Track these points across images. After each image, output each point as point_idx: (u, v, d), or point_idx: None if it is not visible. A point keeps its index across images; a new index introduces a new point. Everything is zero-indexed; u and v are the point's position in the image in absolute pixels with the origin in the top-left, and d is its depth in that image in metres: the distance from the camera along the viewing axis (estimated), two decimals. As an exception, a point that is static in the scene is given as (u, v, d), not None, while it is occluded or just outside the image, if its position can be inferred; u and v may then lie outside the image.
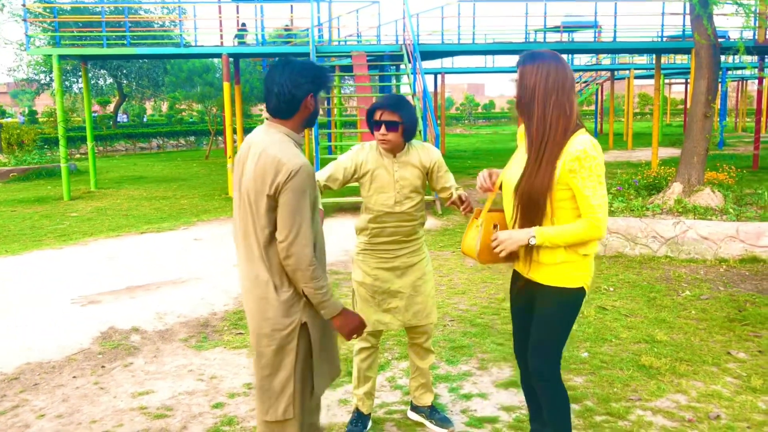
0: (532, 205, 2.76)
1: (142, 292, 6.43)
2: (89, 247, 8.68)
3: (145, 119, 40.53)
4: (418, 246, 3.67)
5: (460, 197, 3.48)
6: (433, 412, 3.85)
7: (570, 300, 2.86)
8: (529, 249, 2.82)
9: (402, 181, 3.51)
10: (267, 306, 2.68)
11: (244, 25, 19.25)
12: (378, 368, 3.98)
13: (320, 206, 3.01)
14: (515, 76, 2.84)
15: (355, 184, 3.62)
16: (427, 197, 11.35)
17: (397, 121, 3.42)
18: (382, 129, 3.43)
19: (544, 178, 2.71)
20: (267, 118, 2.78)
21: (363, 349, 3.75)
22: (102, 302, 6.09)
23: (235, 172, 2.78)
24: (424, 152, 3.60)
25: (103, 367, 4.78)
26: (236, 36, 18.36)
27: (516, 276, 3.05)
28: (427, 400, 3.88)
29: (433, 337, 5.17)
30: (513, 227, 2.86)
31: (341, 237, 9.19)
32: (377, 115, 3.45)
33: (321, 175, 3.52)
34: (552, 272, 2.83)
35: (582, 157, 2.65)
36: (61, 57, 14.25)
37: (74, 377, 4.61)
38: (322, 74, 2.73)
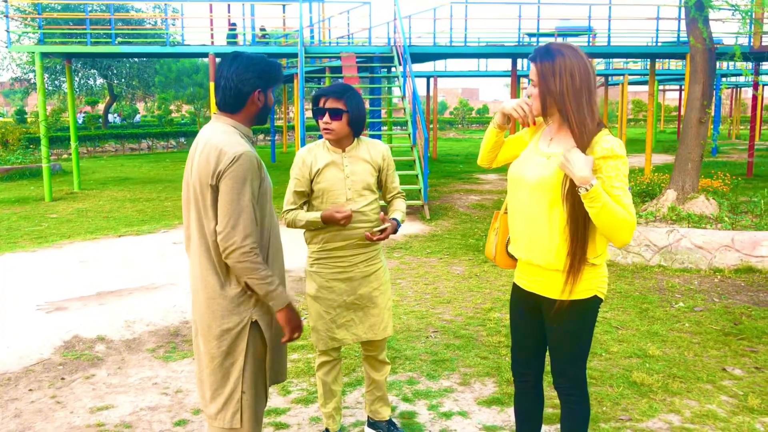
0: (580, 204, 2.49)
1: (112, 299, 6.15)
2: (63, 251, 8.38)
3: (138, 119, 40.20)
4: (375, 253, 3.43)
5: (385, 228, 3.33)
6: (391, 428, 3.64)
7: (581, 312, 2.64)
8: (539, 257, 2.60)
9: (353, 177, 3.29)
10: (215, 305, 2.58)
11: (234, 25, 19.09)
12: (343, 383, 3.71)
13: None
14: (532, 74, 2.57)
15: None
16: (415, 201, 11.14)
17: (341, 109, 3.21)
18: (326, 117, 3.22)
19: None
20: (214, 113, 2.70)
21: (324, 363, 3.51)
22: (69, 309, 5.80)
23: (186, 170, 2.66)
24: (373, 148, 3.40)
25: (62, 379, 4.50)
26: (228, 36, 18.20)
27: (517, 288, 2.83)
28: (384, 414, 3.66)
29: (415, 349, 4.95)
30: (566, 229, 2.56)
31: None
32: (320, 103, 3.24)
33: (292, 205, 3.34)
34: (558, 285, 2.59)
35: (610, 156, 2.46)
36: (44, 54, 13.95)
37: (30, 390, 4.32)
38: (270, 69, 2.63)
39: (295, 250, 8.27)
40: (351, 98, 3.25)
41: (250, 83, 2.58)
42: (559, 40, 20.69)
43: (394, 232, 3.35)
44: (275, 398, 4.14)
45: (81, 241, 9.02)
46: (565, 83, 2.50)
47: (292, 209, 3.32)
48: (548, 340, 2.75)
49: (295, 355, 4.85)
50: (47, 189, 13.51)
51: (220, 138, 2.53)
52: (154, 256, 8.02)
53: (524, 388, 2.96)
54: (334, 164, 3.29)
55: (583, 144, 2.49)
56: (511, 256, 2.82)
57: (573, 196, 2.48)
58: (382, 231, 3.31)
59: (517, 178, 2.70)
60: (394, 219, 3.38)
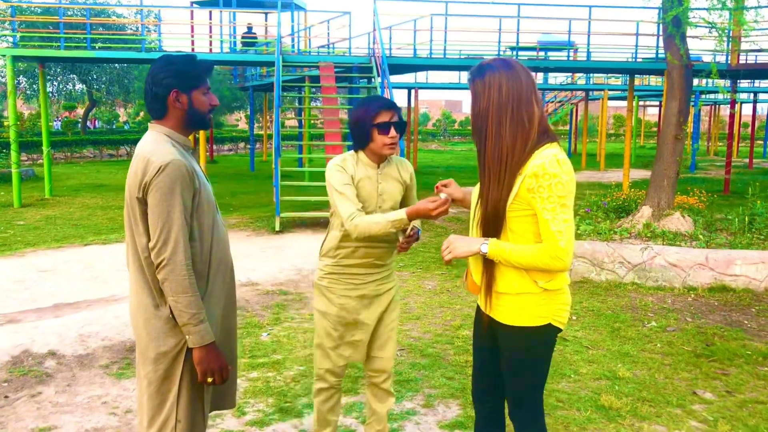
0: (492, 226, 2.44)
1: (69, 311, 5.93)
2: (25, 259, 8.13)
3: (128, 126, 39.81)
4: (389, 272, 3.25)
5: (414, 232, 3.06)
6: None
7: (534, 341, 2.49)
8: (487, 277, 2.48)
9: (384, 195, 3.10)
10: (150, 326, 2.43)
11: (250, 29, 19.50)
12: (341, 410, 3.48)
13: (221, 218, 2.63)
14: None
15: (320, 198, 3.23)
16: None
17: (403, 122, 3.04)
18: (392, 131, 3.00)
19: (502, 197, 2.38)
20: (149, 121, 2.57)
21: (322, 389, 3.30)
22: (22, 321, 5.58)
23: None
24: (401, 165, 3.22)
25: (6, 397, 4.28)
26: (243, 42, 18.62)
27: (479, 310, 2.69)
28: None
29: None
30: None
31: (295, 254, 8.75)
32: (387, 116, 2.98)
33: (355, 208, 2.94)
34: (510, 308, 2.45)
35: (540, 174, 2.29)
36: (16, 58, 13.68)
37: (-30, 409, 4.10)
38: (187, 68, 2.46)
39: (266, 261, 8.13)
40: (401, 110, 3.11)
41: (164, 85, 2.42)
42: (541, 54, 20.75)
43: (417, 239, 3.11)
44: (228, 420, 3.96)
45: (45, 250, 8.77)
46: (490, 98, 2.37)
47: (358, 214, 2.92)
48: (501, 367, 2.61)
49: (254, 374, 4.67)
50: (16, 195, 13.21)
51: (148, 147, 2.39)
52: (118, 267, 7.79)
53: (484, 415, 2.81)
54: (369, 179, 3.10)
55: (502, 165, 2.36)
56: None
57: (483, 218, 2.48)
58: (407, 238, 3.06)
59: (474, 202, 2.57)
60: (414, 226, 3.10)
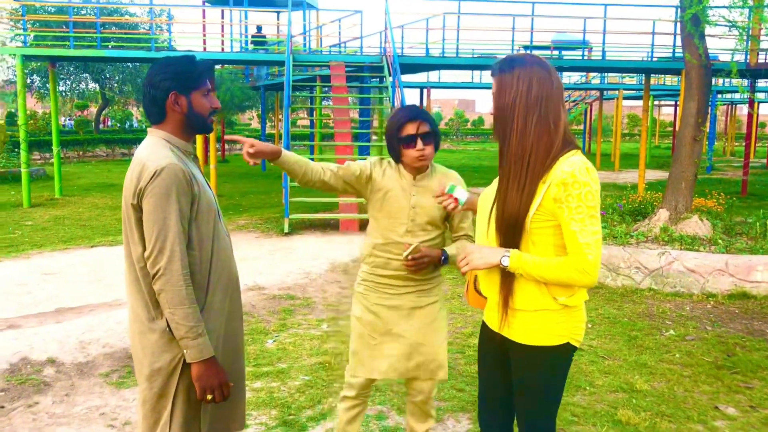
0: (511, 234, 2.26)
1: (71, 316, 5.80)
2: (30, 261, 8.03)
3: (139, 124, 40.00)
4: (431, 286, 3.07)
5: (420, 255, 2.91)
6: None
7: (551, 361, 2.32)
8: (504, 292, 2.30)
9: (418, 209, 2.93)
10: (145, 341, 2.30)
11: (260, 29, 19.50)
12: (360, 428, 3.32)
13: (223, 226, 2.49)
14: (492, 90, 2.31)
15: (330, 199, 3.09)
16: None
17: (431, 132, 2.88)
18: (419, 143, 2.85)
19: (522, 203, 2.20)
20: (148, 127, 2.45)
21: (347, 397, 3.16)
22: (22, 326, 5.46)
23: None
24: (446, 179, 3.00)
25: (2, 407, 4.15)
26: (252, 42, 18.57)
27: (486, 327, 2.51)
28: None
29: (386, 379, 4.58)
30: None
31: (303, 257, 8.59)
32: (412, 129, 2.85)
33: (334, 165, 2.98)
34: (526, 326, 2.28)
35: (569, 183, 2.13)
36: (27, 57, 13.62)
37: (-35, 420, 3.98)
38: (186, 69, 2.34)
39: (273, 263, 7.98)
40: (432, 119, 2.93)
41: (162, 87, 2.31)
42: (555, 53, 20.49)
43: (438, 262, 2.94)
44: (229, 434, 3.81)
45: (51, 252, 8.67)
46: (519, 93, 2.19)
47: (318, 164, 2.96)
48: (513, 389, 2.44)
49: (258, 384, 4.52)
50: (25, 194, 13.17)
51: (145, 152, 2.28)
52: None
53: None
54: (403, 191, 2.94)
55: (524, 167, 2.19)
56: (481, 294, 2.50)
57: (499, 223, 2.30)
58: (408, 260, 2.89)
59: (483, 206, 2.39)
60: (442, 249, 2.96)
